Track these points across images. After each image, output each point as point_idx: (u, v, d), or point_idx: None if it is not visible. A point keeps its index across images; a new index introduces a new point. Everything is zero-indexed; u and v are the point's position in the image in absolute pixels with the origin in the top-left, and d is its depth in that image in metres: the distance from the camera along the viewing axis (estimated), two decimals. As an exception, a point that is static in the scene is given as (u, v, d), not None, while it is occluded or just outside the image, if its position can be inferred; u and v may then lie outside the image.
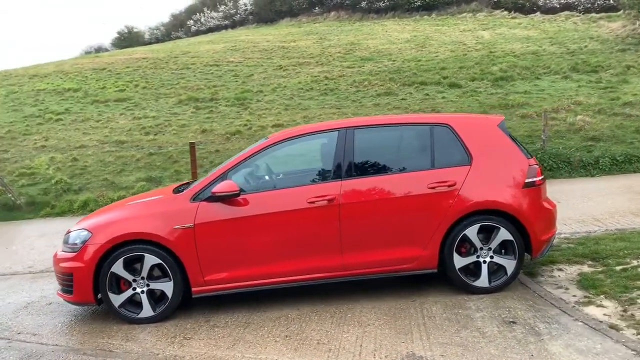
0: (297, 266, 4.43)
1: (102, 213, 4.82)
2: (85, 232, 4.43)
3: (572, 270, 4.96)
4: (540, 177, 4.63)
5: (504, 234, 4.48)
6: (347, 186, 4.44)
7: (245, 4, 37.18)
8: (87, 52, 39.68)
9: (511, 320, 3.97)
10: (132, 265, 4.36)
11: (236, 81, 19.27)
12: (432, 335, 3.81)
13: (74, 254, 4.39)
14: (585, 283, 4.57)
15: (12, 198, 9.97)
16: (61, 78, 21.10)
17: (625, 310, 3.98)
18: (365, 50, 23.22)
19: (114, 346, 3.99)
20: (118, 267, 4.32)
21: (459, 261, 4.49)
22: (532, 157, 4.79)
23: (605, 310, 4.04)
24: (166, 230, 4.32)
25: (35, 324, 4.53)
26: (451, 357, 3.48)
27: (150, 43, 38.39)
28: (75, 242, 4.43)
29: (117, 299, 4.36)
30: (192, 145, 9.90)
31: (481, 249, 4.50)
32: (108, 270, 4.31)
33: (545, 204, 4.69)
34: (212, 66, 21.76)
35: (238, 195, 4.33)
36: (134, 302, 4.40)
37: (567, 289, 4.54)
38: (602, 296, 4.28)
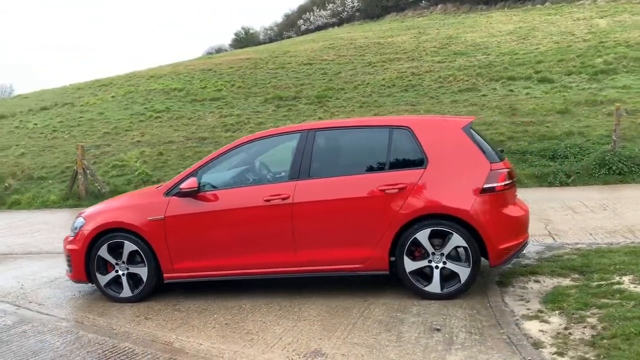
0: (255, 260, 4.72)
1: (102, 203, 5.50)
2: (82, 220, 5.13)
3: (550, 282, 4.67)
4: (504, 183, 4.43)
5: (456, 240, 4.38)
6: (301, 186, 4.63)
7: (352, 1, 37.61)
8: (209, 53, 42.85)
9: (437, 327, 3.92)
10: (116, 250, 4.96)
11: (323, 79, 19.78)
12: (352, 335, 3.90)
13: (73, 237, 5.10)
14: (548, 297, 4.30)
15: (98, 187, 11.37)
16: (172, 79, 23.17)
17: (566, 328, 3.73)
18: (461, 44, 22.50)
19: (87, 319, 4.61)
20: (103, 252, 4.95)
21: (410, 265, 4.48)
22: (501, 161, 4.60)
23: (546, 326, 3.81)
24: (141, 221, 4.86)
25: (46, 296, 5.34)
26: (351, 357, 3.57)
27: (264, 43, 40.45)
28: (75, 227, 5.14)
29: (103, 279, 5.00)
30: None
31: (433, 254, 4.44)
32: (96, 254, 4.96)
33: (509, 211, 4.48)
34: (305, 65, 22.51)
35: (197, 191, 4.74)
36: (117, 283, 5.00)
37: (527, 301, 4.32)
38: (556, 312, 4.03)
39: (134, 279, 4.97)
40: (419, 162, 4.52)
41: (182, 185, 4.78)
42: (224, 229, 4.75)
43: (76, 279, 5.14)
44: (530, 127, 11.99)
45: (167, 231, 4.82)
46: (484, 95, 15.14)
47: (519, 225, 4.55)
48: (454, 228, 4.37)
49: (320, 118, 14.87)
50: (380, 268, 4.55)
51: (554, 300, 4.21)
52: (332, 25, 37.73)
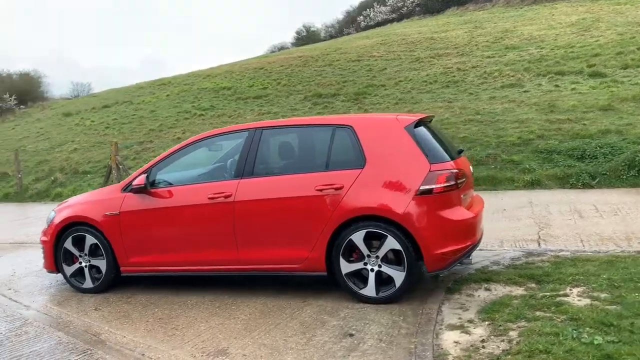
0: (201, 257, 4.80)
1: (72, 198, 5.78)
2: (53, 213, 5.43)
3: (501, 291, 4.40)
4: (443, 185, 4.21)
5: (391, 243, 4.22)
6: (243, 184, 4.64)
7: (412, -4, 36.91)
8: (272, 52, 43.60)
9: (351, 333, 3.81)
10: (80, 243, 5.20)
11: (367, 76, 19.58)
12: (267, 335, 3.88)
13: (46, 229, 5.41)
14: (487, 307, 4.06)
15: (129, 182, 11.93)
16: (225, 78, 23.82)
17: (483, 341, 3.51)
18: (516, 37, 21.48)
19: (45, 308, 4.88)
20: (68, 244, 5.22)
21: (346, 266, 4.37)
22: (450, 161, 4.37)
23: (465, 337, 3.60)
24: (100, 216, 5.07)
25: (26, 284, 5.70)
26: (251, 357, 3.55)
27: (324, 40, 40.60)
28: (48, 220, 5.45)
29: (68, 270, 5.27)
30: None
31: (369, 256, 4.31)
32: (62, 246, 5.24)
33: (450, 214, 4.24)
34: (353, 62, 22.37)
35: (145, 188, 4.88)
36: (81, 274, 5.25)
37: (465, 310, 4.09)
38: (485, 323, 3.79)
39: (94, 271, 5.20)
40: (358, 162, 4.40)
41: (134, 182, 4.94)
42: (173, 225, 4.86)
43: (48, 269, 5.44)
44: (565, 124, 11.25)
45: (122, 226, 4.99)
46: (525, 91, 14.38)
47: (462, 229, 4.30)
48: (389, 231, 4.21)
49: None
50: (317, 269, 4.48)
51: (490, 310, 3.97)
52: (392, 21, 37.18)
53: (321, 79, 20.20)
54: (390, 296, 4.29)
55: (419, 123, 4.58)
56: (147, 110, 19.90)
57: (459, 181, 4.35)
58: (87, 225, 5.14)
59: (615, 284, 4.14)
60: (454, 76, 17.37)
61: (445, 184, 4.23)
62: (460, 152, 5.07)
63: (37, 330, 4.30)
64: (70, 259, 5.27)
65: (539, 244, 5.80)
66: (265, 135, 4.78)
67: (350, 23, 41.35)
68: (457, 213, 4.31)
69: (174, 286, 5.18)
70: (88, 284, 5.20)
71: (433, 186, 4.19)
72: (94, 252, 5.16)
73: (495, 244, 5.92)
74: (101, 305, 4.84)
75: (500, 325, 3.68)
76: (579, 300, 3.92)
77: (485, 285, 4.55)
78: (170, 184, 5.02)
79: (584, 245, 5.60)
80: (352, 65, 21.64)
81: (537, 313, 3.78)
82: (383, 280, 4.32)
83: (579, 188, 8.74)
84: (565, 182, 9.00)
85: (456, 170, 4.37)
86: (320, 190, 4.38)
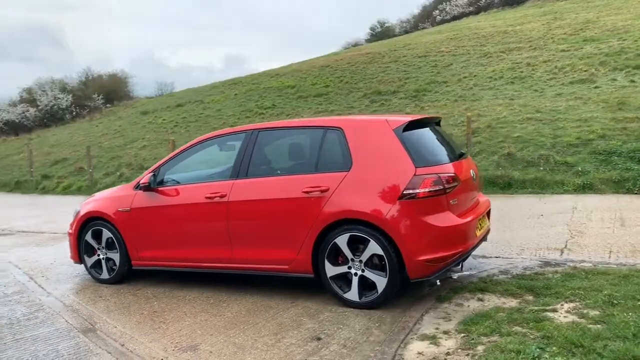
0: (199, 254, 4.96)
1: (96, 194, 6.15)
2: (78, 207, 5.82)
3: (493, 302, 4.18)
4: (428, 189, 4.06)
5: (373, 248, 4.14)
6: (237, 185, 4.74)
7: (491, -13, 35.46)
8: (345, 48, 43.64)
9: (320, 337, 3.78)
10: (99, 236, 5.55)
11: (431, 72, 19.13)
12: (242, 334, 3.94)
13: (72, 223, 5.83)
14: (470, 318, 3.88)
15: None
16: (292, 76, 24.21)
17: (448, 354, 3.36)
18: (598, 28, 20.04)
19: (62, 296, 5.24)
20: (89, 237, 5.58)
21: (331, 270, 4.34)
22: (437, 165, 4.20)
23: (432, 349, 3.46)
24: (114, 212, 5.38)
25: (58, 272, 6.13)
26: (215, 354, 3.63)
27: (399, 35, 40.04)
28: (74, 213, 5.86)
29: (89, 261, 5.64)
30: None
31: (352, 260, 4.25)
32: (83, 238, 5.62)
33: (435, 219, 4.08)
34: (420, 58, 21.94)
35: (149, 187, 5.11)
36: (100, 266, 5.60)
37: (448, 320, 3.93)
38: (460, 335, 3.63)
39: (110, 263, 5.52)
40: (345, 165, 4.34)
41: (141, 181, 5.20)
42: (175, 222, 5.05)
43: (73, 259, 5.85)
44: (632, 124, 10.37)
45: (132, 222, 5.27)
46: (596, 87, 13.39)
47: (449, 236, 4.12)
48: (371, 235, 4.13)
49: (407, 113, 14.49)
50: (304, 271, 4.48)
51: (471, 322, 3.79)
52: (469, 14, 35.94)
53: (384, 76, 19.99)
54: (373, 302, 4.21)
55: (413, 125, 4.44)
56: (214, 109, 20.68)
57: (447, 186, 4.17)
58: (103, 220, 5.47)
59: (615, 300, 3.79)
60: (522, 72, 16.53)
61: (431, 189, 4.07)
62: (462, 155, 4.85)
63: (46, 316, 4.65)
64: (91, 251, 5.63)
65: (562, 253, 5.43)
66: (261, 137, 4.85)
67: (425, 18, 40.46)
68: (444, 219, 4.14)
69: (180, 281, 5.39)
70: (105, 275, 5.54)
71: (417, 190, 4.05)
72: (110, 245, 5.49)
73: (514, 252, 5.62)
74: (111, 296, 5.14)
75: (472, 339, 3.51)
76: (564, 317, 3.64)
77: (480, 295, 4.34)
78: (178, 183, 5.22)
79: (610, 257, 5.17)
80: (418, 62, 21.21)
81: (515, 328, 3.56)
82: (367, 285, 4.25)
83: (635, 194, 8.06)
84: (620, 186, 8.33)
85: (447, 174, 4.19)
86: (307, 192, 4.38)
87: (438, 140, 4.70)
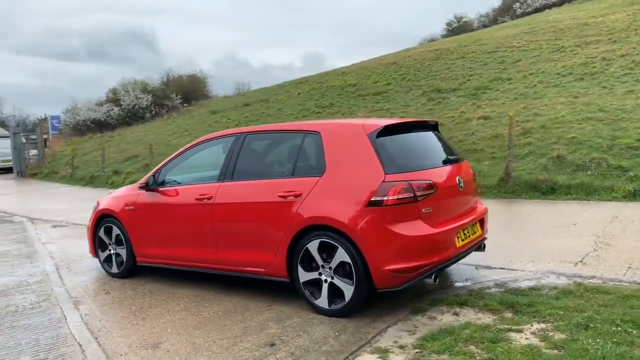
0: (191, 254, 5.09)
1: (114, 191, 6.46)
2: (96, 204, 6.17)
3: (467, 317, 3.95)
4: (395, 197, 3.89)
5: (341, 255, 4.05)
6: (222, 188, 4.81)
7: (577, -24, 33.14)
8: (421, 44, 42.74)
9: (274, 342, 3.76)
10: (109, 232, 5.86)
11: (497, 69, 18.28)
12: (206, 335, 4.00)
13: (90, 218, 6.19)
14: (433, 333, 3.69)
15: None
16: (357, 74, 24.11)
17: (390, 370, 3.23)
18: (690, 18, 18.21)
19: (73, 288, 5.55)
20: (102, 233, 5.91)
21: (303, 275, 4.30)
22: (410, 172, 4.02)
23: (377, 363, 3.34)
24: (121, 210, 5.65)
25: (83, 264, 6.55)
26: (172, 352, 3.72)
27: (476, 30, 38.60)
28: (93, 209, 6.22)
29: (102, 256, 5.97)
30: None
31: (322, 267, 4.18)
32: (97, 234, 5.95)
33: (404, 228, 3.90)
34: (488, 53, 21.02)
35: (147, 187, 5.31)
36: (110, 260, 5.90)
37: (412, 333, 3.77)
38: (414, 350, 3.47)
39: (119, 258, 5.81)
40: (319, 170, 4.28)
41: (141, 181, 5.42)
42: (170, 222, 5.22)
43: (90, 254, 6.22)
44: None
45: (136, 220, 5.51)
46: (674, 84, 12.18)
47: (418, 246, 3.93)
48: (340, 242, 4.04)
49: (462, 112, 13.96)
50: (280, 275, 4.46)
51: (432, 337, 3.61)
52: (552, 6, 33.87)
53: (447, 73, 19.37)
54: (341, 310, 4.12)
55: (392, 130, 4.29)
56: (276, 108, 21.06)
57: (419, 193, 3.98)
58: (113, 217, 5.77)
59: (591, 324, 3.45)
60: (594, 67, 15.36)
61: (399, 196, 3.91)
62: (453, 160, 4.59)
63: (48, 306, 4.98)
64: (104, 246, 5.95)
65: (575, 267, 5.01)
66: (247, 140, 4.89)
67: (505, 11, 38.62)
68: (414, 228, 3.95)
69: (179, 278, 5.55)
70: (114, 269, 5.84)
71: (384, 198, 3.90)
72: (119, 241, 5.77)
73: (523, 264, 5.26)
74: (113, 290, 5.40)
75: (423, 356, 3.34)
76: (525, 338, 3.36)
77: (457, 309, 4.11)
78: (178, 184, 5.38)
79: (625, 274, 4.70)
80: (485, 58, 20.33)
81: (469, 347, 3.34)
82: (336, 293, 4.16)
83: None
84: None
85: (420, 181, 4.01)
86: (283, 196, 4.36)
87: (425, 144, 4.51)
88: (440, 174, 4.28)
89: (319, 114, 18.11)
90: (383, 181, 3.94)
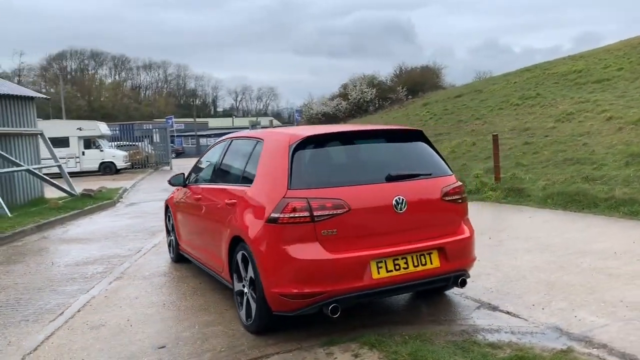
0: (195, 250, 5.51)
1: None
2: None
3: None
4: (290, 215, 3.53)
5: (251, 270, 3.88)
6: (205, 190, 5.17)
7: None
8: None
9: (166, 346, 3.85)
10: (170, 221, 6.62)
11: None
12: (147, 327, 4.33)
13: (167, 205, 7.10)
14: None
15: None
16: (596, 58, 20.85)
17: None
18: None
19: (130, 260, 6.53)
20: (167, 221, 6.76)
21: (237, 284, 4.24)
22: (319, 188, 3.59)
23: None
24: (172, 203, 6.37)
25: (147, 259, 7.38)
26: (103, 335, 4.15)
27: None
28: (170, 200, 7.10)
29: (167, 241, 6.83)
30: (494, 138, 9.81)
31: (244, 279, 4.06)
32: (165, 222, 6.84)
33: (296, 251, 3.50)
34: None
35: (172, 184, 5.85)
36: (171, 245, 6.67)
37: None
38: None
39: (172, 244, 6.55)
40: (251, 179, 4.14)
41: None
42: (185, 217, 5.78)
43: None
44: None
45: (176, 214, 6.16)
46: None
47: (311, 272, 3.48)
48: (250, 257, 3.87)
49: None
50: (228, 280, 4.48)
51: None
52: None
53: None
54: (251, 327, 3.96)
55: (319, 141, 3.90)
56: (479, 99, 19.69)
57: (319, 213, 3.52)
58: (168, 208, 6.55)
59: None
60: None
61: (292, 215, 3.54)
62: (395, 177, 3.83)
63: (85, 280, 5.97)
64: (168, 232, 6.78)
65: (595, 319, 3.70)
66: (232, 145, 4.99)
67: None
68: (308, 251, 3.52)
69: (200, 271, 5.94)
70: (172, 254, 6.62)
71: (279, 215, 3.59)
72: (172, 230, 6.52)
73: (540, 307, 4.11)
74: (152, 275, 6.05)
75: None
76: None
77: (364, 351, 3.53)
78: (205, 181, 5.76)
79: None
80: None
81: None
82: (250, 309, 4.00)
83: None
84: None
85: (324, 199, 3.55)
86: (228, 204, 4.35)
87: (363, 158, 3.98)
88: (364, 192, 3.68)
89: (517, 106, 16.33)
90: (283, 197, 3.63)
